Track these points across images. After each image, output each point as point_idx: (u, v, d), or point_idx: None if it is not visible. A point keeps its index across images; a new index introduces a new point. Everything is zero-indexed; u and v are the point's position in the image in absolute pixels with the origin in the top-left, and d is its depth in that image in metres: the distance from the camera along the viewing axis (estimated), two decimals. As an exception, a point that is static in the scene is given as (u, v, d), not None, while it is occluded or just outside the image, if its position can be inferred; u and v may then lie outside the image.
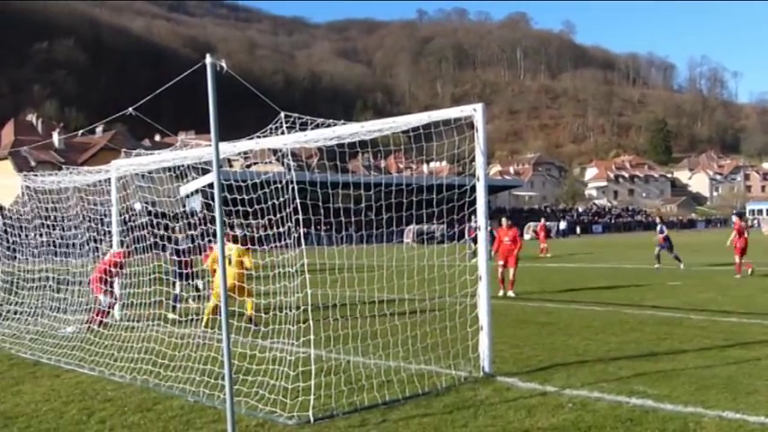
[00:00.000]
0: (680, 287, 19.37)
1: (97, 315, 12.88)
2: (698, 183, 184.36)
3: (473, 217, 9.38)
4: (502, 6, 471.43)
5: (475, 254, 12.69)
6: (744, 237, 22.88)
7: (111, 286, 13.46)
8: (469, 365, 9.12)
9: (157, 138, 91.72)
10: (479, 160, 9.09)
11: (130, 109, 8.01)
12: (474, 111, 9.07)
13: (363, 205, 10.68)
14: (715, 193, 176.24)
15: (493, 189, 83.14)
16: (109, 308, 13.40)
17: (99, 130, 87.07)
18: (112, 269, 13.13)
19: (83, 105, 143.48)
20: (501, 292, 18.39)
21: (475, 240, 20.82)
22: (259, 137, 9.55)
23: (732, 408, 7.24)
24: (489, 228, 21.15)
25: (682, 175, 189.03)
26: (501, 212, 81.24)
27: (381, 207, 10.64)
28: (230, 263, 12.26)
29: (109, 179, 14.34)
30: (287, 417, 7.13)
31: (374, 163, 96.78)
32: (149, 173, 13.32)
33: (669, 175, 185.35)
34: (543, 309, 15.65)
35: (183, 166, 12.08)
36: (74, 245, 14.13)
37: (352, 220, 11.09)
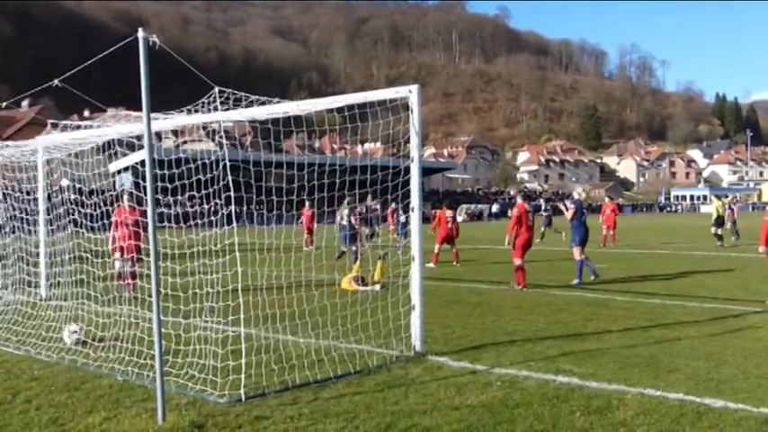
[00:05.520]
0: (606, 269, 19.85)
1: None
2: (626, 168, 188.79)
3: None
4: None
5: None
6: None
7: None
8: (401, 345, 9.20)
9: (86, 113, 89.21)
10: (414, 142, 9.11)
11: (56, 81, 7.77)
12: (410, 92, 9.09)
13: (296, 185, 10.59)
14: (642, 179, 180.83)
15: (427, 171, 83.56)
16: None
17: (25, 104, 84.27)
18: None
19: (8, 78, 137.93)
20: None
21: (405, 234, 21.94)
22: (191, 111, 9.38)
23: (653, 385, 7.50)
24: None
25: (610, 160, 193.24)
26: (434, 194, 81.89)
27: (314, 187, 10.58)
28: None
29: (34, 153, 13.86)
30: (218, 395, 7.09)
31: (308, 143, 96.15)
32: (76, 146, 12.90)
33: (598, 161, 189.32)
34: (474, 289, 15.86)
35: (113, 140, 11.72)
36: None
37: (284, 199, 10.99)
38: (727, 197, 38.61)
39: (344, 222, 20.53)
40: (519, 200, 17.31)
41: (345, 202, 19.49)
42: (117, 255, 13.55)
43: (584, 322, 11.46)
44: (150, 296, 6.70)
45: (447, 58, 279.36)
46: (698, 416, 6.50)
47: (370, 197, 20.42)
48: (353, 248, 19.95)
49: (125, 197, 14.01)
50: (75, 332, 9.81)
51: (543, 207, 37.19)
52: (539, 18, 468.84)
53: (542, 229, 32.52)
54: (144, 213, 12.69)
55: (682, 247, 29.15)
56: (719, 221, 30.13)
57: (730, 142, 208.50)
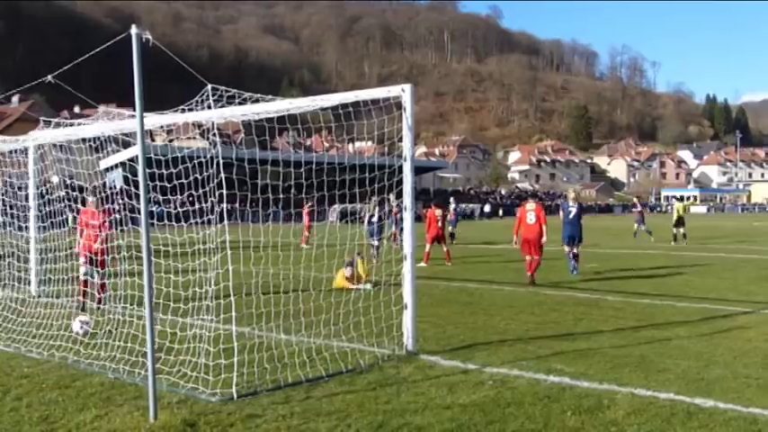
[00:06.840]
0: (597, 269, 19.92)
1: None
2: (616, 169, 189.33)
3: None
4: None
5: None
6: None
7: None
8: (393, 344, 9.20)
9: (77, 109, 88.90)
10: (407, 141, 9.12)
11: (49, 77, 7.75)
12: (402, 91, 9.08)
13: (293, 182, 10.57)
14: (632, 179, 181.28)
15: (418, 170, 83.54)
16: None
17: (15, 99, 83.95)
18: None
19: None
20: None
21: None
22: (184, 110, 9.35)
23: (644, 385, 7.53)
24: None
25: (601, 160, 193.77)
26: (425, 193, 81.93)
27: (308, 185, 10.58)
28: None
29: (25, 150, 13.80)
30: (210, 393, 7.07)
31: (299, 140, 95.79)
32: (68, 143, 12.81)
33: (589, 161, 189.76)
34: (466, 289, 15.88)
35: (103, 137, 11.63)
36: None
37: (281, 197, 10.97)
38: (688, 199, 40.06)
39: (374, 219, 21.68)
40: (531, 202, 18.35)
41: (373, 200, 20.27)
42: (82, 260, 12.55)
43: (575, 322, 11.50)
44: (142, 293, 6.67)
45: (439, 57, 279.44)
46: (688, 416, 6.53)
47: (392, 196, 20.68)
48: (375, 243, 20.72)
49: (89, 199, 12.93)
50: (87, 323, 9.88)
51: (453, 207, 36.24)
52: (530, 18, 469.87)
53: (450, 228, 32.66)
54: (109, 215, 12.49)
55: (672, 248, 29.26)
56: (680, 221, 32.45)
57: (720, 143, 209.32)
